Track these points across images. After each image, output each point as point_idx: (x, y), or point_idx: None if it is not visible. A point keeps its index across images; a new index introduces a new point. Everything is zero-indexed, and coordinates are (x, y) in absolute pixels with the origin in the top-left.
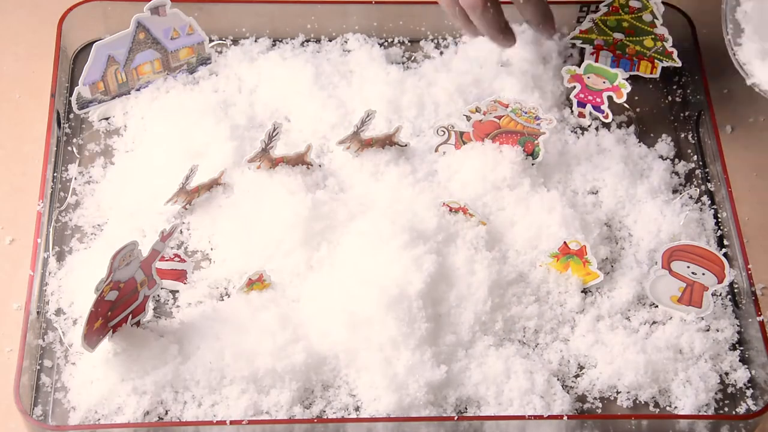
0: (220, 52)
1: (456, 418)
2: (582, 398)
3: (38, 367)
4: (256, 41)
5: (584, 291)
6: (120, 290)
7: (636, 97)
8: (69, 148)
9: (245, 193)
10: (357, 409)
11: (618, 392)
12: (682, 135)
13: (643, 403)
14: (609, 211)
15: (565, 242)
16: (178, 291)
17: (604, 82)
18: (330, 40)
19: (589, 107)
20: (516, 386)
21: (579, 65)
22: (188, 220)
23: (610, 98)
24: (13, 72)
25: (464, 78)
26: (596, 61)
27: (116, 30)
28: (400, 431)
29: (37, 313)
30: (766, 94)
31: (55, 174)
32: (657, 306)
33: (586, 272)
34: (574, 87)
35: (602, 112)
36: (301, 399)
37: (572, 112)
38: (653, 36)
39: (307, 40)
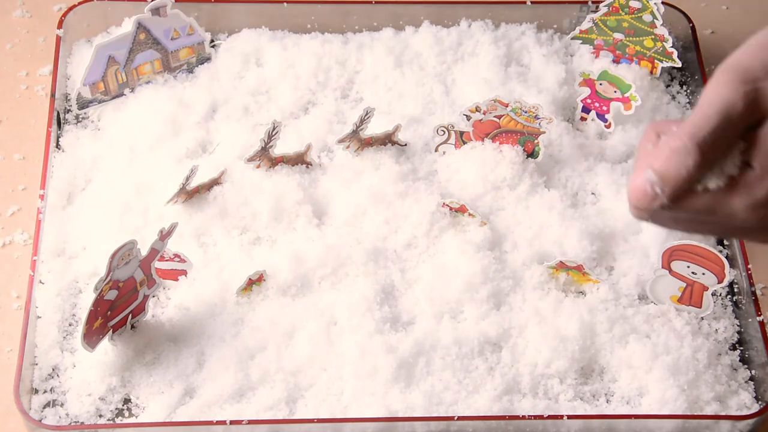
0: (219, 52)
1: (456, 418)
2: (581, 398)
3: (38, 367)
4: (255, 41)
5: (583, 291)
6: (119, 289)
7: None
8: (69, 147)
9: (245, 193)
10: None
11: (617, 392)
12: None
13: (643, 403)
14: (609, 211)
15: (561, 261)
16: (176, 291)
17: (615, 92)
18: (330, 40)
19: (593, 114)
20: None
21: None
22: (187, 220)
23: (617, 108)
24: (13, 72)
25: None
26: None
27: (116, 30)
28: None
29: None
30: None
31: (54, 174)
32: (657, 306)
33: (586, 280)
34: (584, 90)
35: (605, 120)
36: (302, 398)
37: (574, 111)
38: (653, 36)
39: (308, 40)
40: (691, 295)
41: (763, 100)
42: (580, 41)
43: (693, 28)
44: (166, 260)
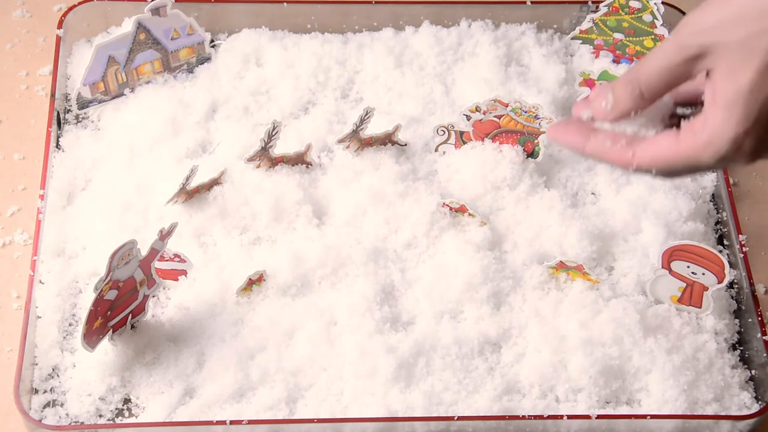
0: (219, 52)
1: (456, 418)
2: (581, 398)
3: (38, 367)
4: (255, 41)
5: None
6: (119, 289)
7: None
8: (69, 147)
9: (245, 193)
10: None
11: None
12: None
13: (643, 403)
14: (609, 211)
15: (561, 261)
16: (176, 291)
17: None
18: (330, 40)
19: None
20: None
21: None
22: (187, 220)
23: None
24: (13, 72)
25: None
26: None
27: (116, 30)
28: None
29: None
30: None
31: (54, 174)
32: (657, 306)
33: (586, 279)
34: (584, 90)
35: None
36: (302, 398)
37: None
38: (653, 36)
39: (308, 40)
40: (691, 295)
41: (704, 57)
42: (580, 41)
43: None
44: (166, 260)
